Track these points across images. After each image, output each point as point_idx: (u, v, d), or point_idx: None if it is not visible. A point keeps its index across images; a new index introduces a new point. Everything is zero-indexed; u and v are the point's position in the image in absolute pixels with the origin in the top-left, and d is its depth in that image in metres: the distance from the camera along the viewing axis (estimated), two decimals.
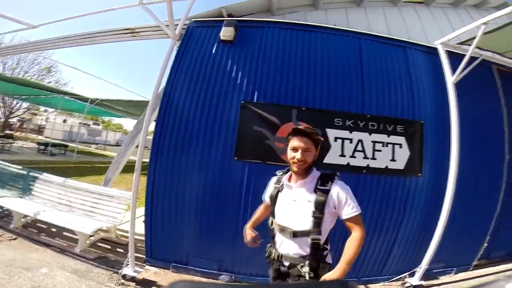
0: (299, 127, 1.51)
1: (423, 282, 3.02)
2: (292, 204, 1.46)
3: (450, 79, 3.14)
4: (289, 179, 1.55)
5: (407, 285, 3.04)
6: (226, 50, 3.27)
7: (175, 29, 2.84)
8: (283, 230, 1.45)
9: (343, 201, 1.38)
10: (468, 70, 3.09)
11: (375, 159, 3.09)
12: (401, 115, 3.24)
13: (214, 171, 2.98)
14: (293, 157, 1.44)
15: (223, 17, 3.62)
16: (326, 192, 1.39)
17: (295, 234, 1.39)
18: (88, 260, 2.99)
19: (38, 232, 3.51)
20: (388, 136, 3.14)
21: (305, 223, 1.39)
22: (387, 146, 3.13)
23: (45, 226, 3.64)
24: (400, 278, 3.13)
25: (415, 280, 3.01)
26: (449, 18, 4.90)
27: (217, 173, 2.98)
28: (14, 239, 3.19)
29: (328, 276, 1.31)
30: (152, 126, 3.33)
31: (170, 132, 3.07)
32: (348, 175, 2.99)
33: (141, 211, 3.24)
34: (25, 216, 3.50)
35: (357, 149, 3.08)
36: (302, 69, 3.24)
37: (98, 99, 11.41)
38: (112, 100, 11.25)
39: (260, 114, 3.01)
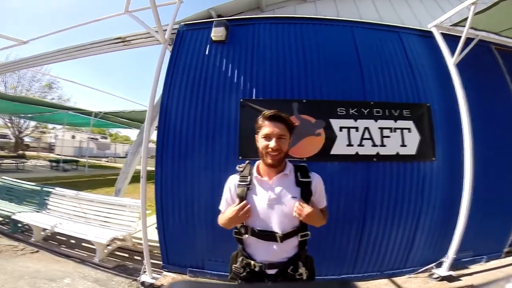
0: (271, 111, 1.32)
1: (452, 272, 2.93)
2: (272, 204, 1.28)
3: (450, 60, 3.15)
4: (258, 173, 1.38)
5: (435, 276, 2.94)
6: (219, 51, 3.35)
7: (165, 33, 2.92)
8: (265, 236, 1.27)
9: (322, 192, 1.39)
10: (467, 51, 3.10)
11: (385, 145, 3.09)
12: (406, 99, 3.24)
13: (220, 172, 3.03)
14: (266, 146, 1.27)
15: (213, 18, 3.71)
16: (309, 184, 1.32)
17: (285, 237, 1.25)
18: (107, 269, 3.16)
19: (58, 244, 3.74)
20: (395, 121, 3.14)
21: (293, 222, 1.28)
22: (395, 131, 3.12)
23: (64, 238, 3.86)
24: (427, 269, 3.06)
25: (444, 271, 2.92)
26: (439, 4, 4.94)
27: (223, 174, 2.98)
28: (36, 251, 3.42)
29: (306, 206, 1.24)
30: (155, 134, 3.44)
31: (173, 138, 3.16)
32: (358, 165, 3.04)
33: (153, 218, 3.36)
34: (44, 229, 3.72)
35: (365, 137, 3.09)
36: (298, 62, 3.29)
37: (101, 112, 11.78)
38: (115, 112, 11.57)
39: (260, 111, 3.06)
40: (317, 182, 1.36)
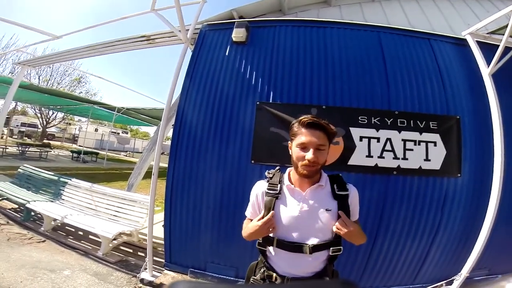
0: (309, 117, 1.15)
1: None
2: (304, 216, 1.16)
3: (486, 70, 2.87)
4: (290, 182, 1.26)
5: None
6: (239, 52, 3.27)
7: (187, 33, 2.88)
8: (293, 247, 1.15)
9: (357, 205, 1.27)
10: (505, 61, 2.82)
11: (407, 159, 2.85)
12: (434, 110, 2.98)
13: (231, 175, 2.94)
14: (302, 157, 1.13)
15: (235, 19, 3.64)
16: (347, 197, 1.20)
17: (315, 249, 1.13)
18: (109, 263, 3.09)
19: (66, 235, 3.71)
20: (420, 133, 2.89)
21: (326, 235, 1.16)
22: (419, 144, 2.88)
23: (73, 230, 3.85)
24: (436, 287, 2.88)
25: None
26: (473, 10, 4.59)
27: (234, 177, 2.94)
28: (43, 241, 3.39)
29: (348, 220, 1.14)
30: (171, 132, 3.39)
31: (187, 137, 3.10)
32: (377, 177, 2.84)
33: (162, 216, 3.28)
34: (55, 219, 3.69)
35: (386, 148, 2.87)
36: (319, 66, 3.13)
37: (124, 108, 12.05)
38: (136, 109, 11.82)
39: (277, 115, 2.93)
40: (353, 195, 1.24)
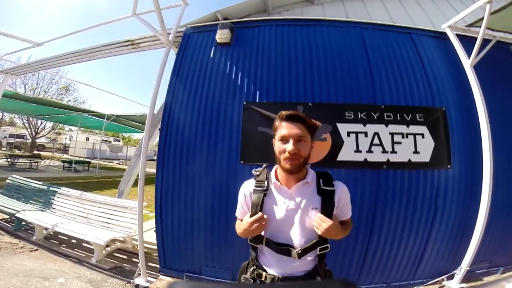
0: (286, 111, 1.19)
1: (464, 285, 2.82)
2: (290, 214, 1.18)
3: (467, 62, 3.02)
4: (277, 179, 1.26)
5: None
6: (224, 53, 3.36)
7: (169, 36, 2.98)
8: (281, 250, 1.17)
9: (348, 202, 1.27)
10: (485, 52, 2.97)
11: (396, 152, 2.95)
12: (419, 103, 3.10)
13: (221, 177, 3.00)
14: (283, 150, 1.14)
15: (219, 21, 3.74)
16: (333, 193, 1.19)
17: (303, 253, 1.15)
18: (103, 270, 3.16)
19: (59, 244, 3.78)
20: (408, 126, 3.00)
21: (312, 234, 1.16)
22: (407, 137, 2.98)
23: (65, 238, 3.92)
24: (437, 281, 2.94)
25: (455, 283, 2.82)
26: (452, 5, 4.77)
27: (224, 179, 3.00)
28: (35, 250, 3.47)
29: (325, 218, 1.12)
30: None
31: (174, 141, 3.17)
32: (367, 172, 2.92)
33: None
34: (46, 228, 3.77)
35: (374, 143, 2.97)
36: (304, 64, 3.23)
37: (113, 115, 12.12)
38: (126, 115, 11.89)
39: (264, 114, 3.03)
40: (341, 192, 1.22)
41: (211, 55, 3.36)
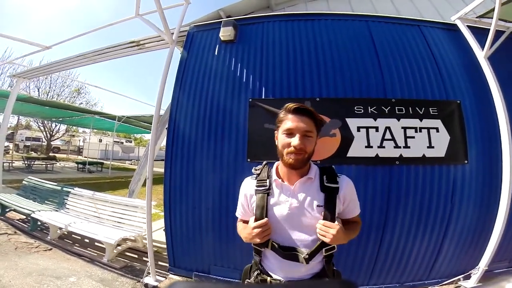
0: (293, 103, 1.13)
1: (481, 284, 2.74)
2: (293, 213, 1.11)
3: (481, 54, 2.92)
4: (278, 176, 1.20)
5: None
6: (228, 50, 3.36)
7: (172, 35, 3.00)
8: (287, 255, 1.11)
9: (354, 199, 1.20)
10: (499, 44, 2.87)
11: (409, 147, 2.87)
12: (432, 96, 3.00)
13: (228, 175, 3.00)
14: (288, 144, 1.08)
15: (222, 19, 3.73)
16: (336, 190, 1.12)
17: (311, 257, 1.08)
18: (114, 269, 3.22)
19: (72, 243, 3.89)
20: (421, 120, 2.91)
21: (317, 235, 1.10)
22: (420, 131, 2.89)
23: (79, 237, 4.03)
24: (453, 281, 2.84)
25: (472, 283, 2.72)
26: None
27: (231, 178, 3.00)
28: (50, 249, 3.58)
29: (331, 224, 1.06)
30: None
31: (182, 139, 3.19)
32: (379, 168, 2.86)
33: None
34: (60, 228, 3.89)
35: (386, 137, 2.89)
36: (310, 59, 3.19)
37: (124, 116, 12.38)
38: (137, 116, 12.11)
39: (270, 111, 3.00)
40: (347, 189, 1.15)
41: (216, 53, 3.36)
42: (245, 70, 3.24)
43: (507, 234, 2.71)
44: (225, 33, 3.25)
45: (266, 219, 1.11)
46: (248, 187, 1.25)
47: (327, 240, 1.05)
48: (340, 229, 1.05)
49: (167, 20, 2.99)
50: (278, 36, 3.34)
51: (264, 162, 1.29)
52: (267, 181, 1.19)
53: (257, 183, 1.20)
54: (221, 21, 3.39)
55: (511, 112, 2.79)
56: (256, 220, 1.13)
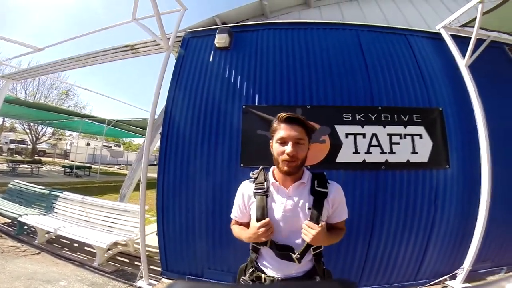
0: (285, 113, 1.21)
1: (467, 285, 2.83)
2: (287, 215, 1.20)
3: (462, 62, 3.09)
4: (275, 179, 1.28)
5: None
6: (223, 57, 3.44)
7: (169, 41, 3.05)
8: (282, 255, 1.19)
9: (343, 204, 1.29)
10: (479, 52, 3.06)
11: (394, 153, 3.01)
12: (416, 104, 3.17)
13: (222, 180, 3.05)
14: (282, 152, 1.16)
15: (217, 25, 3.81)
16: (325, 195, 1.22)
17: (302, 256, 1.17)
18: (105, 273, 3.20)
19: (61, 247, 3.83)
20: (405, 127, 3.06)
21: None
22: (405, 138, 3.05)
23: (67, 242, 3.96)
24: (440, 281, 2.95)
25: (458, 283, 2.83)
26: (446, 4, 4.88)
27: (224, 182, 3.04)
28: (38, 253, 3.51)
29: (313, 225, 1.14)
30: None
31: (175, 144, 3.22)
32: (366, 173, 2.97)
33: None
34: (48, 232, 3.83)
35: (372, 144, 3.03)
36: (302, 67, 3.31)
37: (114, 120, 12.23)
38: (127, 120, 11.98)
39: (263, 117, 3.09)
40: (336, 194, 1.25)
41: (210, 60, 3.43)
42: (239, 77, 3.32)
43: (488, 235, 2.84)
44: (220, 40, 3.33)
45: (268, 219, 1.18)
46: (246, 189, 1.32)
47: (307, 239, 1.13)
48: (321, 231, 1.12)
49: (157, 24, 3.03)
50: (272, 44, 3.45)
51: (261, 167, 1.36)
52: (265, 184, 1.26)
53: (255, 186, 1.27)
54: (217, 28, 3.47)
55: (490, 119, 2.95)
56: (258, 220, 1.20)
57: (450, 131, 3.11)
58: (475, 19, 2.95)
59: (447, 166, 3.04)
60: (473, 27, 2.99)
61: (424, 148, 3.04)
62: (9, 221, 4.49)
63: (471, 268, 2.82)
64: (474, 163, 3.01)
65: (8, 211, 4.15)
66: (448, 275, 2.94)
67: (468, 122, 3.10)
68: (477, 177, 2.94)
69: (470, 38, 3.01)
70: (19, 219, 3.94)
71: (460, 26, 3.42)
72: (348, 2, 4.67)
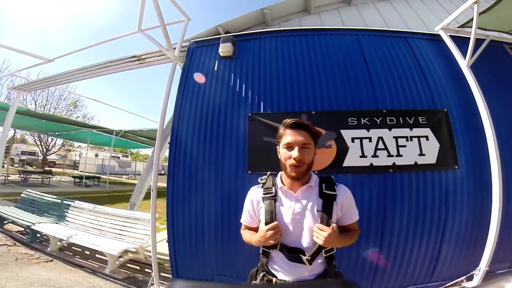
0: (291, 119, 1.25)
1: (481, 284, 2.72)
2: (296, 218, 1.22)
3: (463, 62, 3.10)
4: (283, 184, 1.31)
5: None
6: (227, 66, 3.51)
7: (175, 51, 3.12)
8: (292, 257, 1.20)
9: (352, 205, 1.31)
10: (480, 52, 3.05)
11: (401, 155, 3.00)
12: (421, 106, 3.17)
13: (230, 187, 3.07)
14: (288, 157, 1.19)
15: (221, 35, 3.91)
16: (334, 197, 1.24)
17: (313, 258, 1.18)
18: (117, 280, 3.25)
19: (73, 255, 3.92)
20: (411, 129, 3.06)
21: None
22: (411, 140, 3.04)
23: (79, 249, 4.05)
24: (456, 283, 2.88)
25: (474, 284, 2.76)
26: (443, 5, 4.93)
27: (232, 189, 3.06)
28: (50, 261, 3.60)
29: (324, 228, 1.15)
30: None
31: (184, 153, 3.26)
32: (373, 176, 2.97)
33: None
34: (61, 240, 3.91)
35: (379, 147, 3.03)
36: (305, 73, 3.36)
37: (122, 131, 12.44)
38: (134, 131, 12.18)
39: (269, 124, 3.13)
40: (344, 196, 1.27)
41: (215, 69, 3.50)
42: (244, 85, 3.38)
43: (503, 234, 2.76)
44: (224, 49, 3.41)
45: (276, 222, 1.20)
46: (255, 194, 1.35)
47: (319, 241, 1.14)
48: (332, 232, 1.14)
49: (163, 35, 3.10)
50: (274, 52, 3.52)
51: (269, 173, 1.39)
52: (273, 188, 1.30)
53: (264, 191, 1.31)
54: (220, 37, 3.56)
55: (495, 118, 2.93)
56: (266, 224, 1.22)
57: (457, 131, 3.09)
58: (472, 19, 2.98)
59: (456, 167, 3.01)
60: (471, 27, 3.00)
61: (431, 150, 3.02)
62: (22, 229, 4.62)
63: (487, 268, 2.74)
64: (483, 162, 2.98)
65: (22, 220, 4.27)
66: (464, 276, 2.86)
67: (474, 121, 3.08)
68: (487, 175, 2.90)
69: (468, 38, 3.02)
70: (33, 227, 4.05)
71: (458, 27, 3.43)
72: (347, 7, 4.76)
